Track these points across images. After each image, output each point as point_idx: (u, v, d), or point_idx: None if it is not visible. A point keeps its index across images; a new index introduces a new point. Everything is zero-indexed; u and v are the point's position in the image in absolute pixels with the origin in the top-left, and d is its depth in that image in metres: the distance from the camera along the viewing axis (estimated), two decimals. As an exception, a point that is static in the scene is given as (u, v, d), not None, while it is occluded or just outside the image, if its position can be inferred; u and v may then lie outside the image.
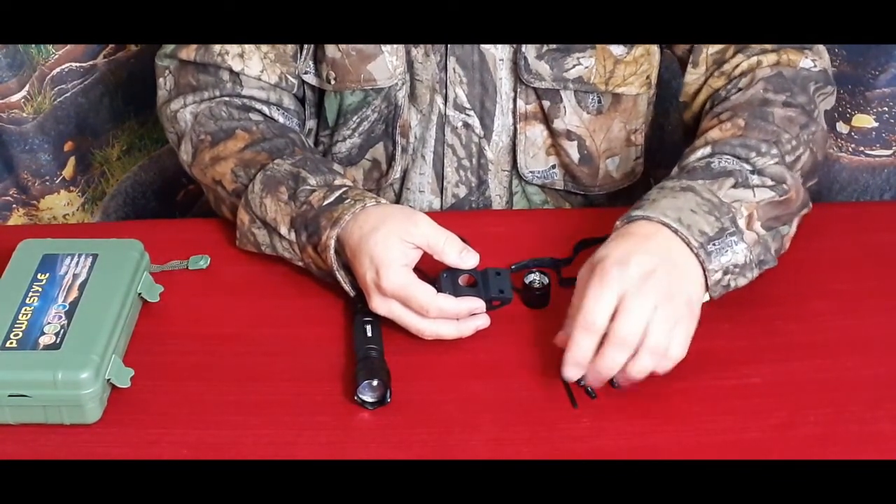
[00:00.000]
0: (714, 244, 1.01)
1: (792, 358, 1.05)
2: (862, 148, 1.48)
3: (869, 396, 1.01)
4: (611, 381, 1.01)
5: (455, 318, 1.06)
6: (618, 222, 1.05)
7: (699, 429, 0.98)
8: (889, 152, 1.49)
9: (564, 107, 1.25)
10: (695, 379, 1.02)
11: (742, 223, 1.03)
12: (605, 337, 0.97)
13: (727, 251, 1.01)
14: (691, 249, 1.00)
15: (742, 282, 1.03)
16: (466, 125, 1.27)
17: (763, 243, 1.04)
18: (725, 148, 1.08)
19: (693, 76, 1.23)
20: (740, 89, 1.17)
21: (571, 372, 0.99)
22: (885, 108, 1.45)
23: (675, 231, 1.01)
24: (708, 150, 1.09)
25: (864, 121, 1.47)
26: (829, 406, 1.00)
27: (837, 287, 1.13)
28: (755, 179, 1.06)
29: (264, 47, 1.23)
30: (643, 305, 0.96)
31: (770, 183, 1.06)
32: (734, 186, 1.04)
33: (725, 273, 1.02)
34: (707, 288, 1.02)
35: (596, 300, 0.97)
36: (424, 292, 1.04)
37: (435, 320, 1.05)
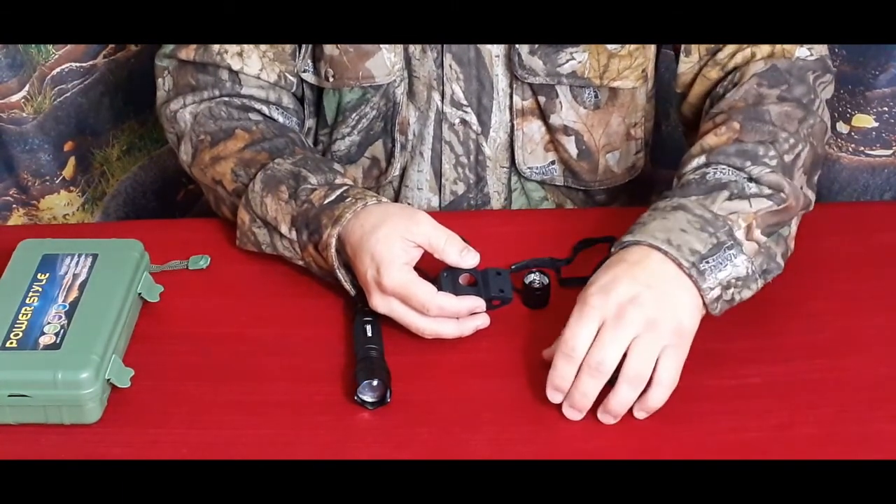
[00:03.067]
0: (708, 261, 0.99)
1: (792, 358, 1.05)
2: (862, 148, 1.48)
3: (869, 396, 1.01)
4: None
5: (455, 316, 1.06)
6: (612, 248, 1.04)
7: (699, 429, 0.98)
8: (889, 152, 1.49)
9: (560, 102, 1.25)
10: (695, 379, 1.02)
11: (740, 234, 1.01)
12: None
13: (726, 265, 1.00)
14: (682, 270, 0.99)
15: (747, 294, 1.02)
16: (464, 122, 1.27)
17: (765, 252, 1.02)
18: (720, 157, 1.07)
19: (686, 65, 1.22)
20: (735, 84, 1.16)
21: (553, 396, 0.99)
22: (885, 108, 1.45)
23: (665, 252, 0.99)
24: (703, 159, 1.08)
25: (864, 121, 1.47)
26: (829, 406, 1.00)
27: (837, 287, 1.13)
28: (752, 188, 1.04)
29: (263, 46, 1.23)
30: (620, 334, 0.96)
31: (767, 192, 1.04)
32: (729, 199, 1.03)
33: (727, 288, 1.00)
34: (705, 307, 1.00)
35: (576, 327, 0.97)
36: (425, 290, 1.04)
37: (435, 319, 1.05)
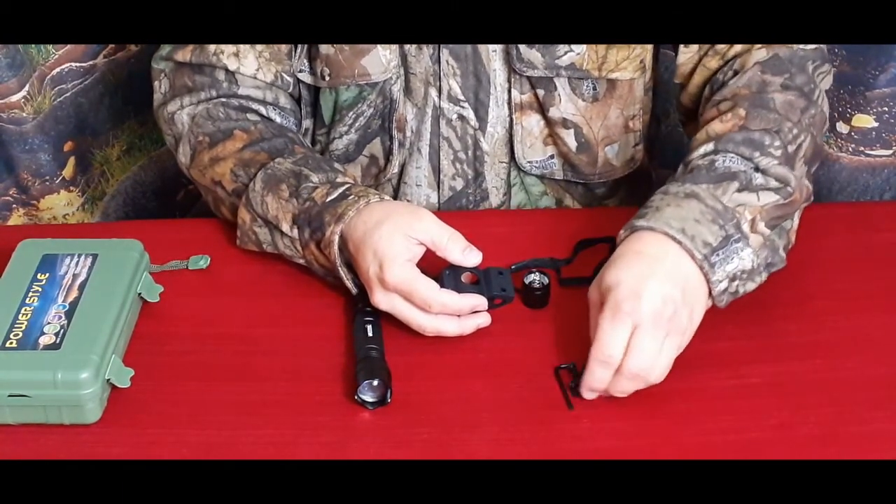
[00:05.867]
0: (718, 254, 1.00)
1: (792, 358, 1.05)
2: (862, 148, 1.48)
3: (869, 396, 1.01)
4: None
5: (457, 314, 1.06)
6: (622, 231, 1.04)
7: (699, 429, 0.98)
8: (889, 152, 1.49)
9: (559, 95, 1.25)
10: (695, 379, 1.02)
11: (746, 227, 1.02)
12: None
13: (733, 258, 1.01)
14: (695, 262, 1.00)
15: (751, 286, 1.03)
16: (461, 117, 1.27)
17: (769, 245, 1.03)
18: (729, 145, 1.07)
19: (686, 55, 1.22)
20: (736, 72, 1.16)
21: (588, 396, 1.00)
22: (885, 108, 1.45)
23: (679, 242, 1.00)
24: (711, 146, 1.08)
25: (864, 121, 1.47)
26: (829, 406, 1.00)
27: (837, 287, 1.13)
28: (759, 179, 1.05)
29: (259, 46, 1.23)
30: (654, 340, 0.97)
31: (774, 185, 1.05)
32: (738, 190, 1.04)
33: (732, 280, 1.01)
34: (712, 299, 1.01)
35: (610, 333, 0.98)
36: (427, 287, 1.04)
37: (437, 316, 1.05)
